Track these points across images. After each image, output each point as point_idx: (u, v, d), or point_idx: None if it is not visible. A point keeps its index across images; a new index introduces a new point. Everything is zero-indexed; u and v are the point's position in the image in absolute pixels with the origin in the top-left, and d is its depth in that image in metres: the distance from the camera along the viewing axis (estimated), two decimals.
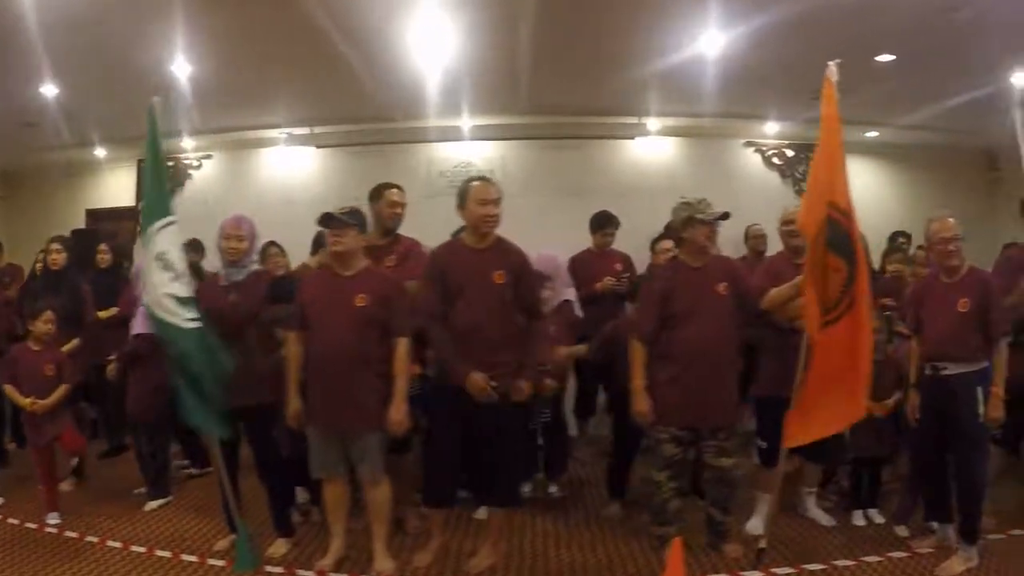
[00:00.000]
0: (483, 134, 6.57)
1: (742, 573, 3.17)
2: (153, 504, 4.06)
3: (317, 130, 6.63)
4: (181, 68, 4.69)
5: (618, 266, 5.08)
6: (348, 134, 6.67)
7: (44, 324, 3.90)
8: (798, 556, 3.32)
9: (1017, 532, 3.54)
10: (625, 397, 3.44)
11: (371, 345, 3.10)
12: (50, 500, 3.86)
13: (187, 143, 6.74)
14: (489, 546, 3.33)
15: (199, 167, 6.99)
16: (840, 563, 3.25)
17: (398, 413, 3.08)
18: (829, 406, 2.96)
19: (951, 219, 3.25)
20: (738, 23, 4.10)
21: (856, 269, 2.89)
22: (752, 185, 6.82)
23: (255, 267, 3.49)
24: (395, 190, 3.69)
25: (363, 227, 3.22)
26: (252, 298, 3.35)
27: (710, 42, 4.39)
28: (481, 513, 3.73)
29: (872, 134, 6.79)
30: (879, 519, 3.79)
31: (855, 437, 3.65)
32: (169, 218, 3.21)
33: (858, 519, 3.80)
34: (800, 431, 3.03)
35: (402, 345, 3.13)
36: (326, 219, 3.13)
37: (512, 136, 6.61)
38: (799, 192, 6.80)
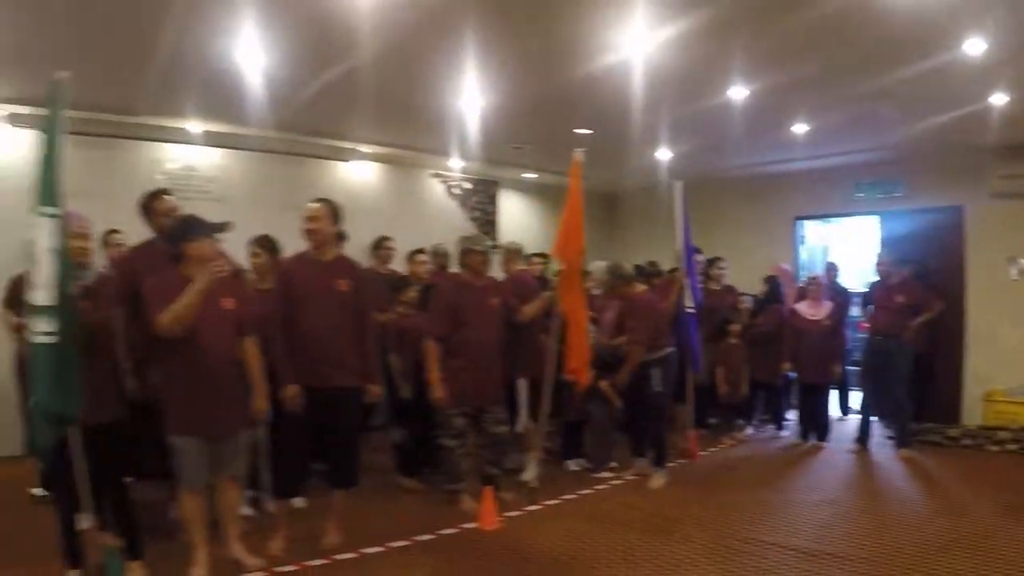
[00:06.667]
0: (211, 140, 6.59)
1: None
2: None
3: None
4: None
5: None
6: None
7: None
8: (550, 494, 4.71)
9: None
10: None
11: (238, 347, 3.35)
12: None
13: None
14: (334, 525, 3.72)
15: None
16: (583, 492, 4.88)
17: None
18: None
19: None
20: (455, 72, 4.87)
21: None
22: (436, 210, 8.33)
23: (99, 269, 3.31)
24: (169, 197, 3.78)
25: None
26: (104, 303, 3.20)
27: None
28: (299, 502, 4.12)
29: (531, 176, 8.75)
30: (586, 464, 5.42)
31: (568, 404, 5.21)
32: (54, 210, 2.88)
33: (572, 466, 5.44)
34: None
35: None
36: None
37: (237, 146, 6.75)
38: (473, 219, 8.71)
